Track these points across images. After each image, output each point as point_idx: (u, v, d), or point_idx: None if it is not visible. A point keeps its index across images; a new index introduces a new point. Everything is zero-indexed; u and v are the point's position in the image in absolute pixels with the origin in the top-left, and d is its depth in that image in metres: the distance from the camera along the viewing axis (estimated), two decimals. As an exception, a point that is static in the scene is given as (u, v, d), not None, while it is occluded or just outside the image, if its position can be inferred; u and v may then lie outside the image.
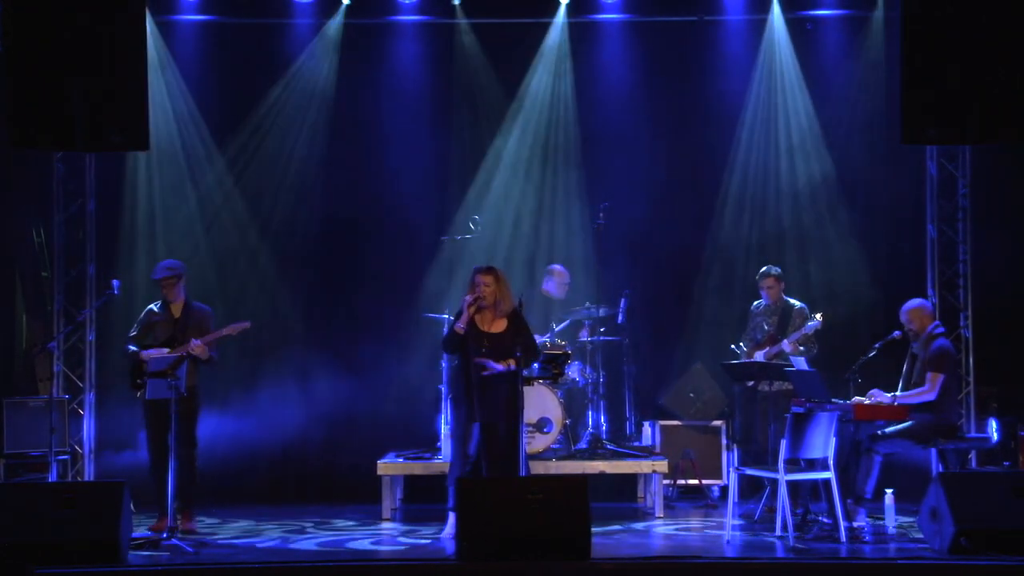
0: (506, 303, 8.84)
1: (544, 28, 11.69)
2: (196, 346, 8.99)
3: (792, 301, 10.43)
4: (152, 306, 9.50)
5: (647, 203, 11.63)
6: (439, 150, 11.73)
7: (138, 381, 9.16)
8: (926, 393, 8.94)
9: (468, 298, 8.75)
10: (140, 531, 8.84)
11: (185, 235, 11.56)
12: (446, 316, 9.07)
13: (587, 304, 10.73)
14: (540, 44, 11.70)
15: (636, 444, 10.82)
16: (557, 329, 10.64)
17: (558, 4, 11.58)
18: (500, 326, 8.85)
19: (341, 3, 11.53)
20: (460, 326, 8.74)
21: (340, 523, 9.72)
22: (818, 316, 10.09)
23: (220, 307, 11.31)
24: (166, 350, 9.10)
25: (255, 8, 11.50)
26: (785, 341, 10.13)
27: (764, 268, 10.51)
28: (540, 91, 11.74)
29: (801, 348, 10.09)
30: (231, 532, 9.34)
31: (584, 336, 10.82)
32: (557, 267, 11.04)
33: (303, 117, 11.64)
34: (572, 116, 11.75)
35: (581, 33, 11.74)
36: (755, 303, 10.60)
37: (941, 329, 9.27)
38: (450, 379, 9.01)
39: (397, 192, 11.64)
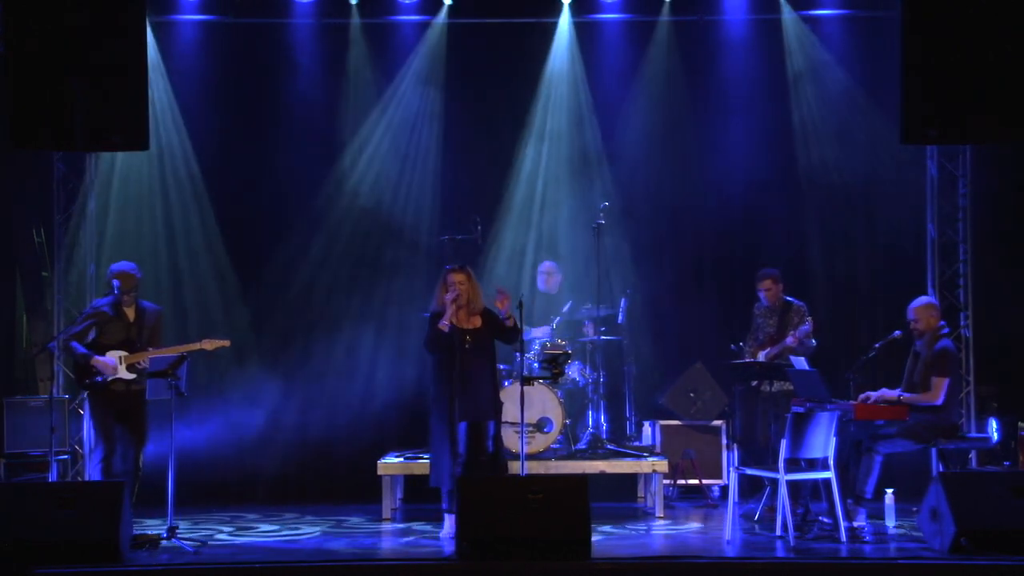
0: (477, 302, 8.95)
1: (544, 29, 11.67)
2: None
3: (791, 300, 10.41)
4: (102, 306, 9.10)
5: (647, 203, 11.65)
6: (438, 150, 11.71)
7: (87, 381, 9.00)
8: (931, 398, 8.93)
9: (449, 296, 8.84)
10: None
11: (185, 235, 11.54)
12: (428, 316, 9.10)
13: (588, 304, 10.75)
14: (540, 45, 11.67)
15: (636, 444, 10.82)
16: (556, 322, 10.63)
17: (560, 5, 11.58)
18: (476, 323, 8.97)
19: (346, 3, 11.54)
20: (444, 323, 8.82)
21: (340, 523, 9.71)
22: (808, 319, 10.02)
23: (219, 309, 11.36)
24: (123, 353, 8.94)
25: (255, 8, 11.50)
26: (790, 336, 10.03)
27: (761, 270, 10.47)
28: (538, 91, 11.73)
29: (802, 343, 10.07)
30: (231, 532, 9.33)
31: (585, 336, 10.81)
32: (546, 263, 11.09)
33: (302, 118, 11.62)
34: (571, 116, 11.73)
35: (582, 33, 11.72)
36: (756, 304, 10.59)
37: (947, 330, 9.27)
38: (432, 379, 9.01)
39: (397, 192, 11.65)
